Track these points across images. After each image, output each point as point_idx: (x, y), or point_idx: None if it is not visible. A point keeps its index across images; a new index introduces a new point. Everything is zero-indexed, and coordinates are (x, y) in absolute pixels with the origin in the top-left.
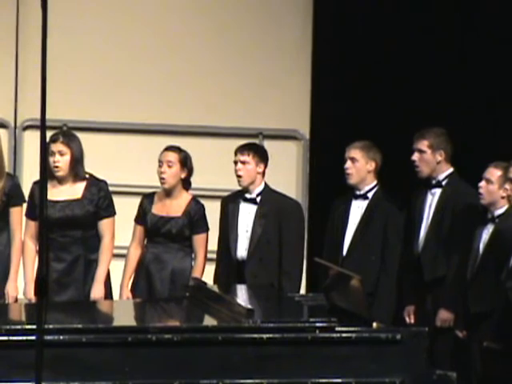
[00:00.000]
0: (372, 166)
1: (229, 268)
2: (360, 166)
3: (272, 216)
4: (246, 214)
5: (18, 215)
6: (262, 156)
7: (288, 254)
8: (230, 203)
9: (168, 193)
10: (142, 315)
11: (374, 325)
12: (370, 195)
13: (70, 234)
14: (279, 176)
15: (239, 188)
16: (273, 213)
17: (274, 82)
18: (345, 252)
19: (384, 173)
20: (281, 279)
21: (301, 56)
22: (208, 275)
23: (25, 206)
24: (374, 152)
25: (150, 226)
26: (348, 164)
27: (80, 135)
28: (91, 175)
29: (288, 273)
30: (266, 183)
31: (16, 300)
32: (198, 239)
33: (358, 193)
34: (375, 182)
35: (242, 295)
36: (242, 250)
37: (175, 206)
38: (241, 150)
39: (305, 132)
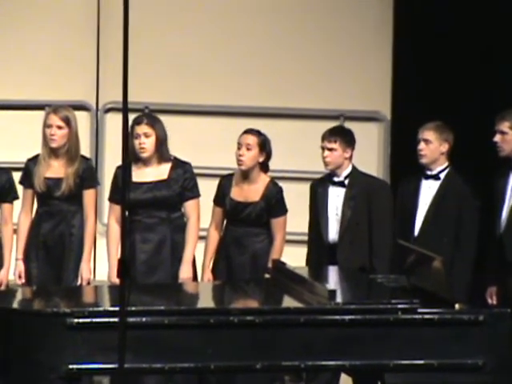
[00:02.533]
0: (445, 147)
1: (320, 251)
2: (433, 148)
3: (361, 198)
4: (335, 197)
5: (91, 197)
6: (348, 141)
7: (378, 235)
8: (319, 187)
9: (245, 175)
10: (224, 297)
11: (457, 306)
12: (441, 176)
13: (157, 215)
14: (361, 158)
15: (321, 170)
16: (361, 194)
17: (355, 64)
18: (417, 232)
19: (459, 153)
20: (371, 261)
21: (381, 37)
22: (289, 257)
23: (100, 188)
24: (447, 133)
25: (229, 210)
26: (421, 145)
27: (161, 117)
28: (175, 157)
29: (378, 254)
30: (353, 165)
31: (89, 282)
32: (277, 222)
33: (429, 173)
34: (447, 163)
35: (328, 277)
36: (332, 234)
37: (253, 190)
38: (327, 136)
39: (386, 113)
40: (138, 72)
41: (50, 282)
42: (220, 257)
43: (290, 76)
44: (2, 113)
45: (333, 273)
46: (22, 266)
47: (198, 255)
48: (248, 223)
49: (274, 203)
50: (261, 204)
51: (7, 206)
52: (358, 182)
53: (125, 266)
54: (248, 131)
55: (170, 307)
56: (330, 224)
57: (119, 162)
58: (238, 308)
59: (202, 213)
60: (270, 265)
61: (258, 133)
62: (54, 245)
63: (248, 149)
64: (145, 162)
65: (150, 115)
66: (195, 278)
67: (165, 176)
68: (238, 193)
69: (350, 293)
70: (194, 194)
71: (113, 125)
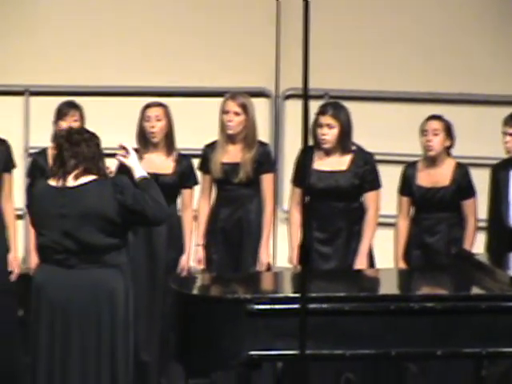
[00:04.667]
0: None
1: (500, 237)
2: None
3: None
4: None
5: (269, 182)
6: None
7: None
8: (501, 171)
9: (433, 161)
10: (405, 283)
11: None
12: None
13: (334, 205)
14: None
15: (503, 156)
16: None
17: None
18: None
19: None
20: None
21: None
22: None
23: (279, 175)
24: None
25: (419, 198)
26: None
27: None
28: (359, 147)
29: None
30: None
31: (269, 267)
32: (468, 205)
33: None
34: None
35: (511, 264)
36: None
37: (441, 175)
38: (508, 121)
39: None
40: (319, 58)
41: (229, 267)
42: (413, 245)
43: (473, 61)
44: (183, 100)
45: None
46: (201, 252)
47: (381, 244)
48: (439, 208)
49: (464, 185)
50: (452, 187)
51: (187, 191)
52: None
53: (305, 252)
54: (432, 117)
55: (350, 293)
56: (510, 209)
57: (299, 149)
58: (419, 294)
59: (385, 199)
60: (453, 250)
61: (442, 118)
62: (232, 230)
63: (435, 134)
64: (326, 152)
65: (337, 105)
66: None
67: (345, 166)
68: (425, 179)
69: None
70: (374, 185)
71: (292, 111)
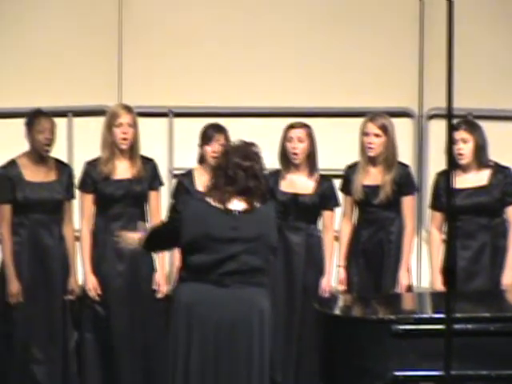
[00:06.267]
0: None
1: None
2: None
3: None
4: None
5: (409, 204)
6: None
7: None
8: None
9: None
10: None
11: None
12: None
13: (477, 221)
14: None
15: None
16: None
17: None
18: None
19: None
20: None
21: None
22: None
23: (422, 195)
24: None
25: None
26: None
27: (486, 124)
28: (495, 163)
29: None
30: None
31: (409, 289)
32: None
33: None
34: None
35: None
36: None
37: None
38: None
39: None
40: (463, 76)
41: (369, 289)
42: None
43: None
44: (326, 120)
45: None
46: (343, 273)
47: None
48: None
49: None
50: None
51: (328, 213)
52: None
53: (450, 273)
54: None
55: (495, 314)
56: None
57: (441, 169)
58: None
59: None
60: None
61: None
62: (373, 252)
63: None
64: (464, 168)
65: (469, 121)
66: None
67: (485, 182)
68: None
69: None
70: None
71: (435, 131)
